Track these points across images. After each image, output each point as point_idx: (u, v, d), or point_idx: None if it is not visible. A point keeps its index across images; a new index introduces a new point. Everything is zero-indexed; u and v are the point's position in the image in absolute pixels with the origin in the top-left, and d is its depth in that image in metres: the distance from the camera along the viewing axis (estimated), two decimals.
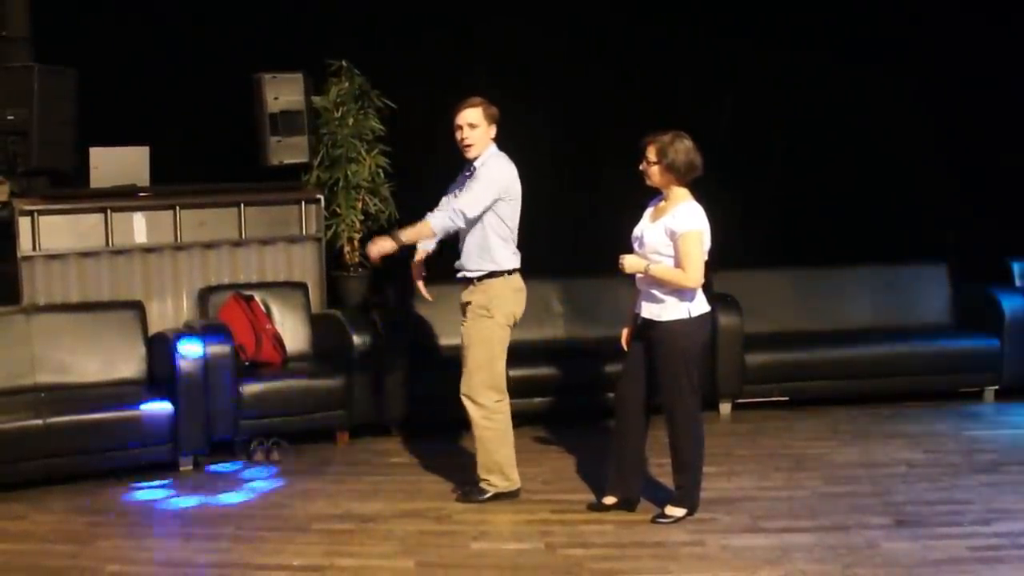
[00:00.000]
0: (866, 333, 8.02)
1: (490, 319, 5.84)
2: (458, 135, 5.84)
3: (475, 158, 5.84)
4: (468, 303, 5.89)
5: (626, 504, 5.78)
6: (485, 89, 7.84)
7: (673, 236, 5.48)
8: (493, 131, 5.87)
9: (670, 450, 5.68)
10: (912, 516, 5.67)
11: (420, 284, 6.12)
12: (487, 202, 5.77)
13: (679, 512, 5.63)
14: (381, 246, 5.79)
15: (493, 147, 5.89)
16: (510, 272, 5.87)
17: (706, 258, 5.55)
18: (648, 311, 5.59)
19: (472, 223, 5.76)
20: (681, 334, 5.52)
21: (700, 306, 5.56)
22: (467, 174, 5.89)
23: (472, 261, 5.85)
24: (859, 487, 6.14)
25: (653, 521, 5.62)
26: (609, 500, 5.81)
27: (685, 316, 5.51)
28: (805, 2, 8.73)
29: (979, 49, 8.70)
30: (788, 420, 7.51)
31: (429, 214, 5.85)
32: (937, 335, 8.04)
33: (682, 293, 5.50)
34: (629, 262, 5.56)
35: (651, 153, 5.51)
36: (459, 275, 5.92)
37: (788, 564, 5.11)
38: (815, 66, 8.80)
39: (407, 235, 5.83)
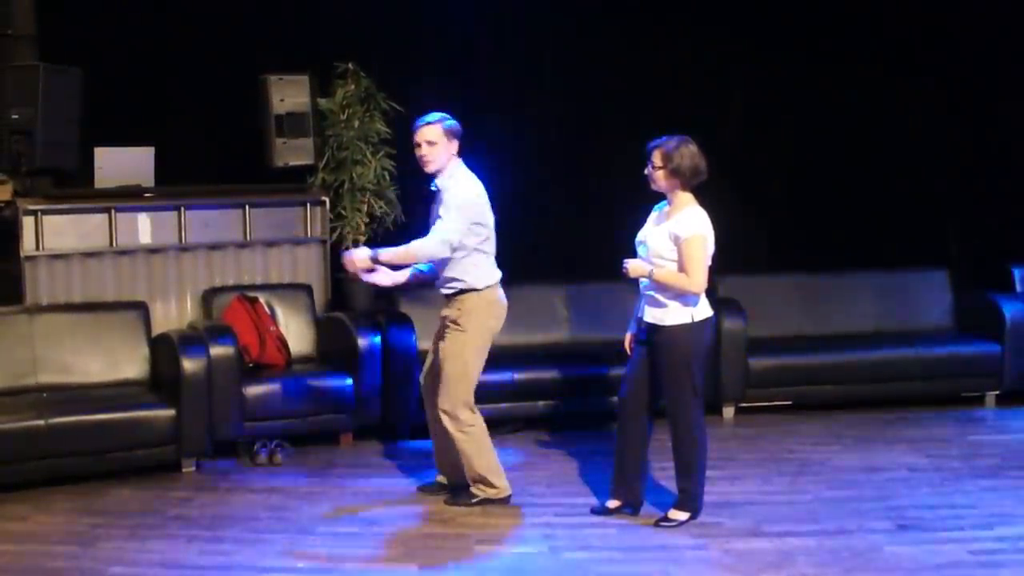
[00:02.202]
0: (868, 338, 8.05)
1: (463, 333, 5.82)
2: (417, 152, 5.82)
3: (435, 172, 5.83)
4: (444, 317, 5.90)
5: (630, 508, 5.78)
6: (490, 91, 7.87)
7: (677, 241, 5.48)
8: (454, 146, 5.82)
9: (673, 454, 5.68)
10: (914, 520, 5.68)
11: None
12: (465, 226, 5.73)
13: (682, 516, 5.64)
14: (358, 260, 5.73)
15: (456, 162, 5.85)
16: (481, 289, 5.84)
17: (710, 263, 5.56)
18: (651, 315, 5.60)
19: (458, 247, 5.73)
20: (684, 338, 5.53)
21: (703, 310, 5.57)
22: (434, 190, 5.87)
23: (446, 278, 5.84)
24: (861, 491, 6.14)
25: (656, 525, 5.62)
26: (613, 504, 5.81)
27: (688, 320, 5.52)
28: (810, 7, 8.74)
29: (982, 55, 8.71)
30: (791, 424, 7.51)
31: (416, 241, 5.74)
32: (939, 340, 8.05)
33: (685, 298, 5.51)
34: (633, 266, 5.57)
35: (657, 158, 5.52)
36: (438, 289, 5.93)
37: (791, 568, 5.11)
38: (819, 72, 8.81)
39: (387, 255, 5.76)
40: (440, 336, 5.93)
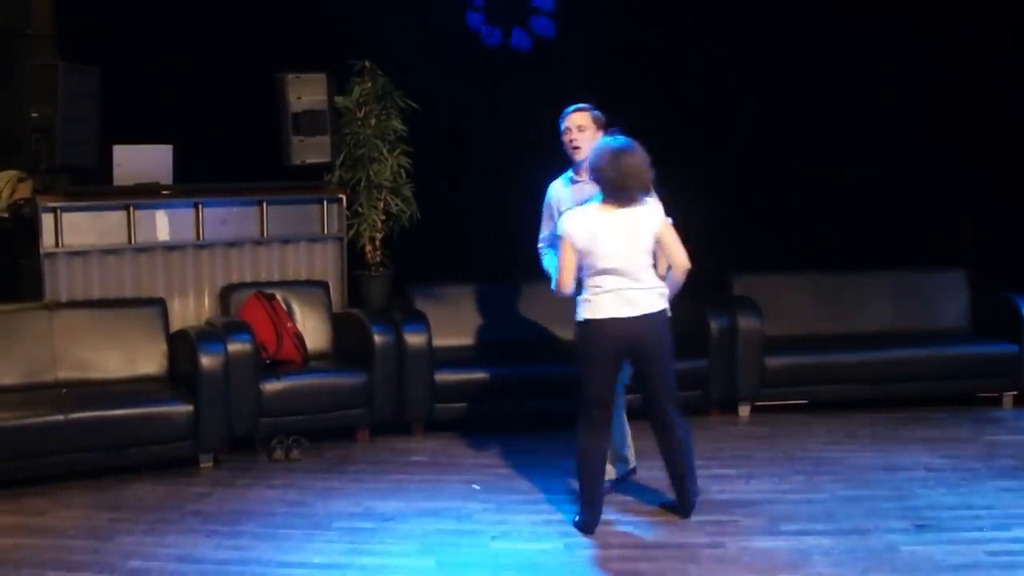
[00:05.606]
0: (885, 337, 8.01)
1: None
2: (566, 137, 5.84)
3: (581, 160, 5.81)
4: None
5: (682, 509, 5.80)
6: (506, 92, 7.85)
7: None
8: (600, 136, 5.80)
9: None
10: (931, 520, 5.67)
11: None
12: None
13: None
14: None
15: None
16: None
17: (606, 265, 5.43)
18: None
19: None
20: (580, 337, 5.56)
21: (585, 312, 5.51)
22: (580, 181, 5.85)
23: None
24: (878, 491, 6.13)
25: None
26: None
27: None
28: (823, 11, 8.71)
29: (996, 56, 8.67)
30: (807, 423, 7.50)
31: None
32: (956, 340, 8.03)
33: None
34: None
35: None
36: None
37: (807, 567, 5.12)
38: (834, 71, 8.79)
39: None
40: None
